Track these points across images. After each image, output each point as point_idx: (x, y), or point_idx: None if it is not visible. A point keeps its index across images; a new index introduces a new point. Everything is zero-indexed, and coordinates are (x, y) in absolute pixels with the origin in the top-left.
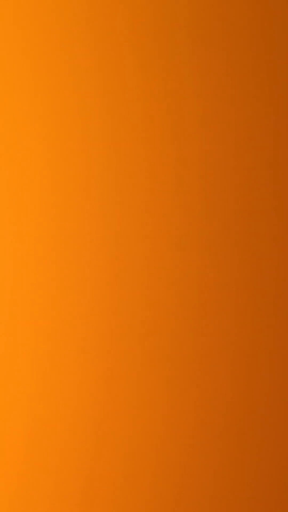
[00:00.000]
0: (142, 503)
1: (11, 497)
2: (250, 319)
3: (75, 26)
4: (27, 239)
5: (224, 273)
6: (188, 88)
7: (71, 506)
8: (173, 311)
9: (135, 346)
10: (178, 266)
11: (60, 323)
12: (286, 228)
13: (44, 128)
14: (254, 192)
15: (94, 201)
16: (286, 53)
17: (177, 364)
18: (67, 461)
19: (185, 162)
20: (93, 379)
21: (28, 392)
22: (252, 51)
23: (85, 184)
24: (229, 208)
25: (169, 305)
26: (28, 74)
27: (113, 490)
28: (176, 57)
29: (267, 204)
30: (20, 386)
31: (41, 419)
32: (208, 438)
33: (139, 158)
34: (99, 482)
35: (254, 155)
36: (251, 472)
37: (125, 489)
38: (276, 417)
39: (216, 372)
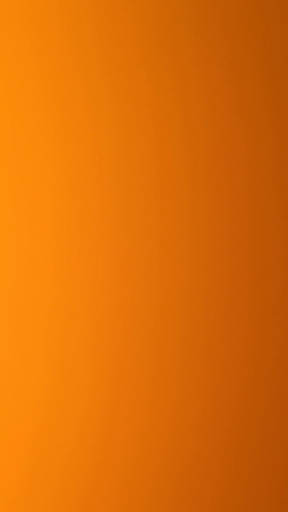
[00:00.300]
0: (144, 504)
1: (12, 498)
2: (255, 321)
3: (80, 25)
4: (34, 239)
5: (232, 272)
6: (193, 87)
7: (74, 508)
8: (180, 316)
9: (141, 348)
10: (187, 267)
11: (66, 324)
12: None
13: (51, 129)
14: (260, 190)
15: (101, 202)
16: (286, 54)
17: (182, 368)
18: (70, 463)
19: (192, 160)
20: (97, 381)
21: (32, 394)
22: (255, 49)
23: (92, 183)
24: (237, 207)
25: (176, 308)
26: (35, 74)
27: (116, 492)
28: (180, 55)
29: (273, 203)
30: (24, 387)
31: (44, 421)
32: (212, 440)
33: (146, 158)
34: (102, 485)
35: (260, 153)
36: (254, 473)
37: (128, 491)
38: (279, 420)
39: (221, 375)
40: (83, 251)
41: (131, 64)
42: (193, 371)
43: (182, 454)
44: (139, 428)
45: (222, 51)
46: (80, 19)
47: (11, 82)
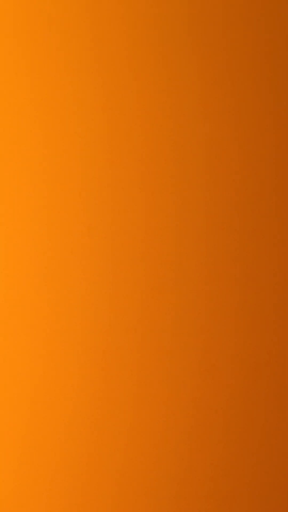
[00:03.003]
0: (140, 501)
1: (8, 495)
2: (250, 318)
3: (74, 26)
4: (25, 239)
5: (225, 272)
6: (187, 87)
7: (69, 505)
8: (172, 311)
9: (134, 346)
10: (177, 267)
11: (58, 322)
12: (286, 228)
13: (42, 129)
14: (254, 190)
15: (92, 202)
16: (286, 54)
17: (176, 364)
18: (65, 460)
19: (184, 161)
20: (92, 379)
21: (26, 392)
22: (252, 50)
23: (83, 184)
24: (229, 206)
25: (167, 305)
26: (26, 75)
27: (111, 489)
28: (175, 56)
29: (267, 203)
30: (19, 385)
31: (39, 419)
32: (207, 437)
33: (138, 158)
34: (97, 482)
35: (254, 153)
36: (251, 472)
37: (123, 488)
38: (276, 419)
39: (216, 372)
40: (66, 251)
41: (125, 64)
42: (188, 370)
43: (179, 453)
44: (133, 423)
45: (219, 52)
46: (76, 19)
47: (5, 82)
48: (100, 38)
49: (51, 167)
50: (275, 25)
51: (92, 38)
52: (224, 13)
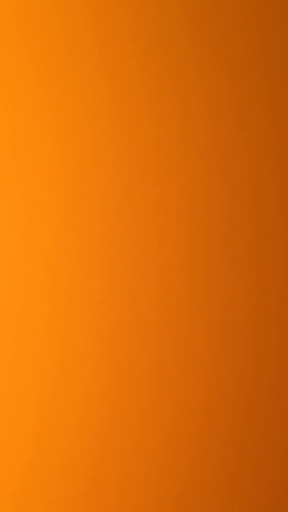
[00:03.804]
0: (144, 504)
1: (13, 497)
2: (254, 322)
3: (78, 26)
4: (31, 239)
5: (230, 274)
6: (191, 86)
7: (74, 507)
8: (179, 315)
9: (139, 348)
10: (184, 268)
11: (64, 324)
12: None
13: (48, 129)
14: (258, 190)
15: (98, 203)
16: (286, 54)
17: (181, 369)
18: (70, 464)
19: (190, 161)
20: (97, 382)
21: (32, 394)
22: (253, 52)
23: (89, 184)
24: (235, 208)
25: (174, 308)
26: (31, 75)
27: (115, 492)
28: (178, 56)
29: (271, 203)
30: (24, 388)
31: (44, 421)
32: (212, 442)
33: (141, 158)
34: (102, 485)
35: (258, 153)
36: (253, 476)
37: (127, 491)
38: (279, 423)
39: (221, 377)
40: (82, 252)
41: (129, 66)
42: (193, 372)
43: (184, 457)
44: (139, 426)
45: (220, 53)
46: (79, 20)
47: (9, 81)
48: (104, 39)
49: (54, 168)
50: (275, 25)
51: (96, 39)
52: (226, 13)
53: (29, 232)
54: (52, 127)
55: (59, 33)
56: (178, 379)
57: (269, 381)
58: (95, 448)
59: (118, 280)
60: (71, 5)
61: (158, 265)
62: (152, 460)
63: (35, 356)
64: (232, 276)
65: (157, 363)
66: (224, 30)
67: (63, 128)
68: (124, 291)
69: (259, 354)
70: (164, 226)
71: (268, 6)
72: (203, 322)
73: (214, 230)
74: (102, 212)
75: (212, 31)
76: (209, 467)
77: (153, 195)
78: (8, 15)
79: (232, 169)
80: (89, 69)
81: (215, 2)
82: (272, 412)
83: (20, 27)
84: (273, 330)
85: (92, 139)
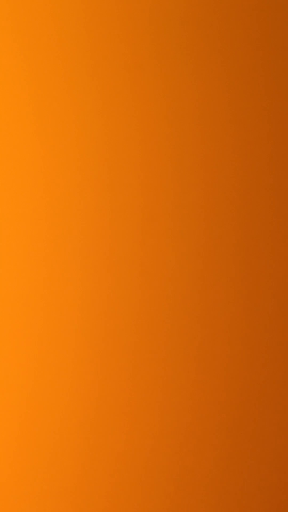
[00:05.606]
0: (138, 499)
1: (7, 495)
2: (248, 317)
3: (73, 28)
4: (24, 239)
5: (223, 272)
6: (186, 90)
7: (68, 502)
8: (170, 311)
9: (131, 344)
10: (176, 268)
11: (57, 321)
12: (286, 228)
13: (41, 131)
14: (252, 192)
15: (90, 203)
16: (285, 55)
17: (174, 363)
18: (63, 458)
19: (182, 165)
20: (89, 377)
21: (24, 391)
22: (250, 53)
23: (81, 185)
24: (228, 209)
25: (166, 304)
26: (25, 77)
27: (109, 487)
28: (174, 59)
29: (266, 205)
30: (17, 384)
31: (37, 417)
32: (205, 436)
33: (136, 161)
34: (95, 480)
35: (252, 157)
36: (249, 470)
37: (121, 485)
38: (274, 417)
39: (214, 371)
40: (69, 247)
41: (122, 65)
42: (186, 369)
43: (177, 450)
44: (132, 420)
45: (218, 55)
46: (76, 20)
47: (5, 81)
48: (99, 41)
49: (49, 170)
50: (275, 26)
51: (91, 42)
52: (223, 16)
53: (26, 231)
54: (47, 126)
55: (51, 32)
56: (171, 373)
57: (262, 374)
58: (84, 443)
59: (107, 277)
60: (65, 7)
61: (149, 265)
62: (146, 455)
63: (25, 353)
64: (221, 275)
65: (148, 358)
66: (217, 28)
67: (59, 126)
68: (114, 287)
69: (253, 350)
70: (157, 230)
71: (266, 7)
72: (192, 318)
73: (204, 227)
74: (96, 212)
75: (208, 34)
76: (203, 460)
77: (147, 195)
78: (6, 16)
79: (223, 170)
80: (81, 69)
81: (213, 5)
82: (269, 410)
83: (14, 28)
84: (266, 326)
85: (86, 141)
